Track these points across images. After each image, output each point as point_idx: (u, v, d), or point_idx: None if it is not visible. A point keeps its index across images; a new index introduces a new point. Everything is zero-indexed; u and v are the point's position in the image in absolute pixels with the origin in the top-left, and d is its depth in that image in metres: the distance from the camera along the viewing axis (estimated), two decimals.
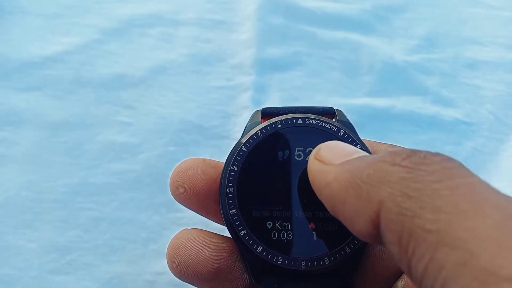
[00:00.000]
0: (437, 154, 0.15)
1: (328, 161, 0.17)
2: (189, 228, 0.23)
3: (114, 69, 0.40)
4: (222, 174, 0.22)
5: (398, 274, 0.21)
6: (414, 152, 0.15)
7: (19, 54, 0.40)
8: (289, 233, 0.21)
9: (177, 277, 0.22)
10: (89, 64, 0.40)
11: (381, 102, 0.40)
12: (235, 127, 0.38)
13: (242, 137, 0.23)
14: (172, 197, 0.34)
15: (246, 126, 0.23)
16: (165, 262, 0.32)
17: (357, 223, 0.15)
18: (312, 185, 0.18)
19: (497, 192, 0.13)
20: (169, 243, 0.22)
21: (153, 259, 0.32)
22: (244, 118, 0.38)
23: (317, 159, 0.18)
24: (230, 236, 0.22)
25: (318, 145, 0.19)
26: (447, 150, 0.39)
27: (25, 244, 0.32)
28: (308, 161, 0.19)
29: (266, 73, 0.41)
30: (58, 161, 0.35)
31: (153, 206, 0.34)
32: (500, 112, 0.41)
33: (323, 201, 0.17)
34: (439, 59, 0.44)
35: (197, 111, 0.39)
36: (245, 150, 0.22)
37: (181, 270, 0.21)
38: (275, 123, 0.22)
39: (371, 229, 0.14)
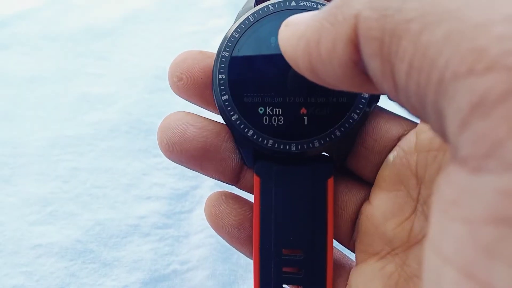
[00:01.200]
0: None
1: (299, 21, 0.15)
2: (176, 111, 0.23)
3: (83, 22, 0.39)
4: (214, 61, 0.21)
5: (389, 147, 0.21)
6: None
7: None
8: (280, 118, 0.21)
9: (167, 157, 0.22)
10: (57, 18, 0.39)
11: None
12: None
13: (234, 23, 0.22)
14: (149, 142, 0.34)
15: (238, 13, 0.22)
16: (148, 206, 0.32)
17: (336, 53, 0.13)
18: (285, 55, 0.16)
19: None
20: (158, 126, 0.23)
21: (135, 204, 0.32)
22: None
23: (286, 25, 0.16)
24: (220, 122, 0.22)
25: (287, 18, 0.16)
26: None
27: (4, 199, 0.31)
28: (278, 33, 0.16)
29: None
30: (32, 116, 0.34)
31: (132, 153, 0.33)
32: None
33: (299, 63, 0.15)
34: None
35: (171, 57, 0.37)
36: (236, 35, 0.21)
37: (169, 148, 0.21)
38: (267, 6, 0.21)
39: (352, 52, 0.13)
